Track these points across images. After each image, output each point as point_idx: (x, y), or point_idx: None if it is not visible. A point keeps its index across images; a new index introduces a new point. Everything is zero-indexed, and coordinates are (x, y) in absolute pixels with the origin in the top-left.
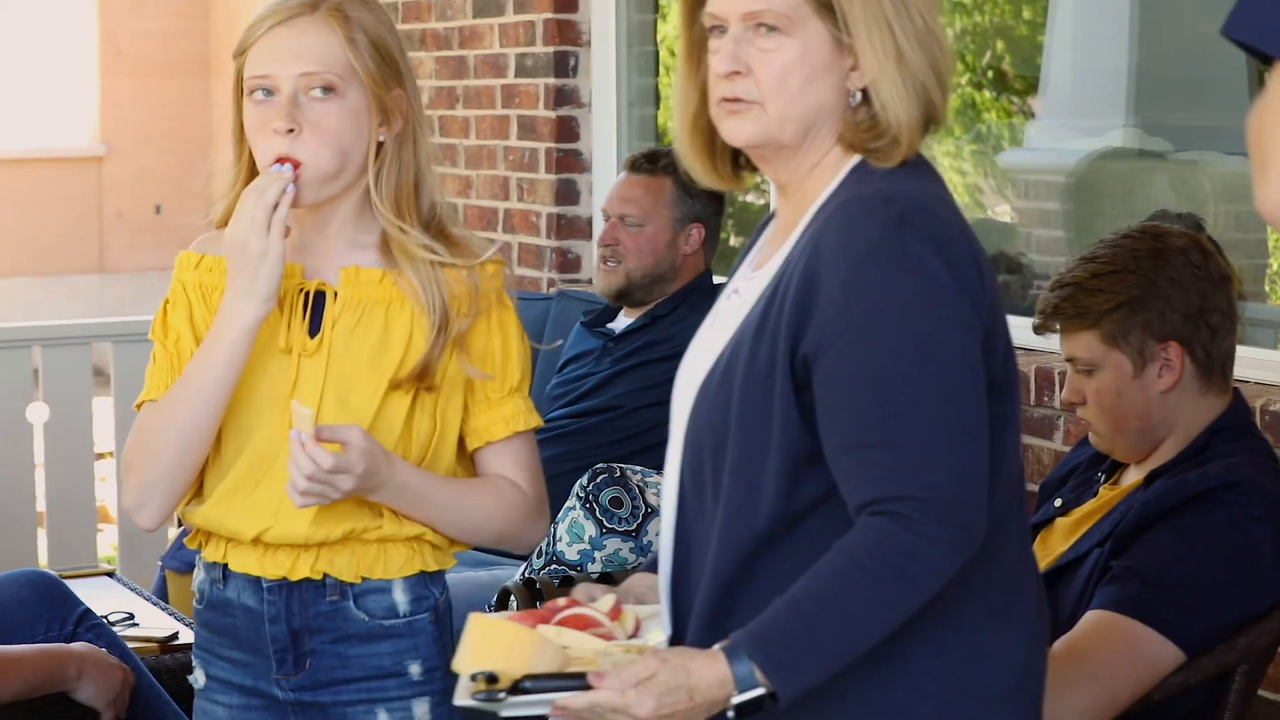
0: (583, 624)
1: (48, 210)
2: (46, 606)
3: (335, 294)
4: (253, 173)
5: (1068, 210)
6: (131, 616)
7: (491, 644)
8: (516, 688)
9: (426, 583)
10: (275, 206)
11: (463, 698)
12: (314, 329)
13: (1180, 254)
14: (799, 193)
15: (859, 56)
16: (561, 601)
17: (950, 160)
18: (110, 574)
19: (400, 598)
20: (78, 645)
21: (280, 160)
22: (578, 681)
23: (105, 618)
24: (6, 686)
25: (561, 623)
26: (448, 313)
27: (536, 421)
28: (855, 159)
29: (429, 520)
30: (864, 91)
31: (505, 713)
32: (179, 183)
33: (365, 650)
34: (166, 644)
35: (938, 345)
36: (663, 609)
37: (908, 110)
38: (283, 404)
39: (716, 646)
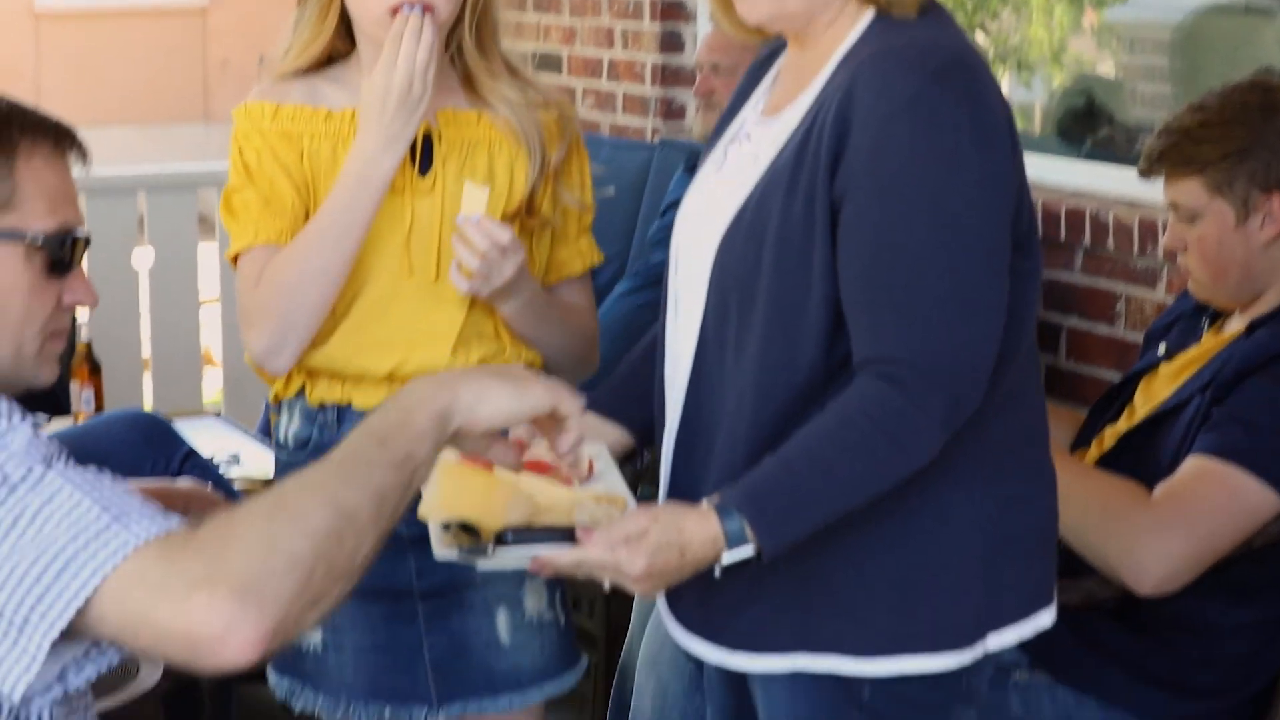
0: (541, 469)
1: (153, 60)
2: (151, 446)
3: (439, 135)
4: (343, 21)
5: (1173, 66)
6: (236, 457)
7: (463, 492)
8: (500, 541)
9: None
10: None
11: (444, 551)
12: (422, 170)
13: None
14: (815, 44)
15: None
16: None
17: (1057, 11)
18: (216, 415)
19: None
20: (182, 482)
21: (412, 3)
22: (562, 536)
23: (210, 458)
24: None
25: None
26: (544, 147)
27: (600, 258)
28: (870, 11)
29: (541, 339)
30: None
31: (487, 566)
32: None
33: None
34: (271, 484)
35: (958, 214)
36: (664, 461)
37: None
38: (399, 243)
39: (705, 504)
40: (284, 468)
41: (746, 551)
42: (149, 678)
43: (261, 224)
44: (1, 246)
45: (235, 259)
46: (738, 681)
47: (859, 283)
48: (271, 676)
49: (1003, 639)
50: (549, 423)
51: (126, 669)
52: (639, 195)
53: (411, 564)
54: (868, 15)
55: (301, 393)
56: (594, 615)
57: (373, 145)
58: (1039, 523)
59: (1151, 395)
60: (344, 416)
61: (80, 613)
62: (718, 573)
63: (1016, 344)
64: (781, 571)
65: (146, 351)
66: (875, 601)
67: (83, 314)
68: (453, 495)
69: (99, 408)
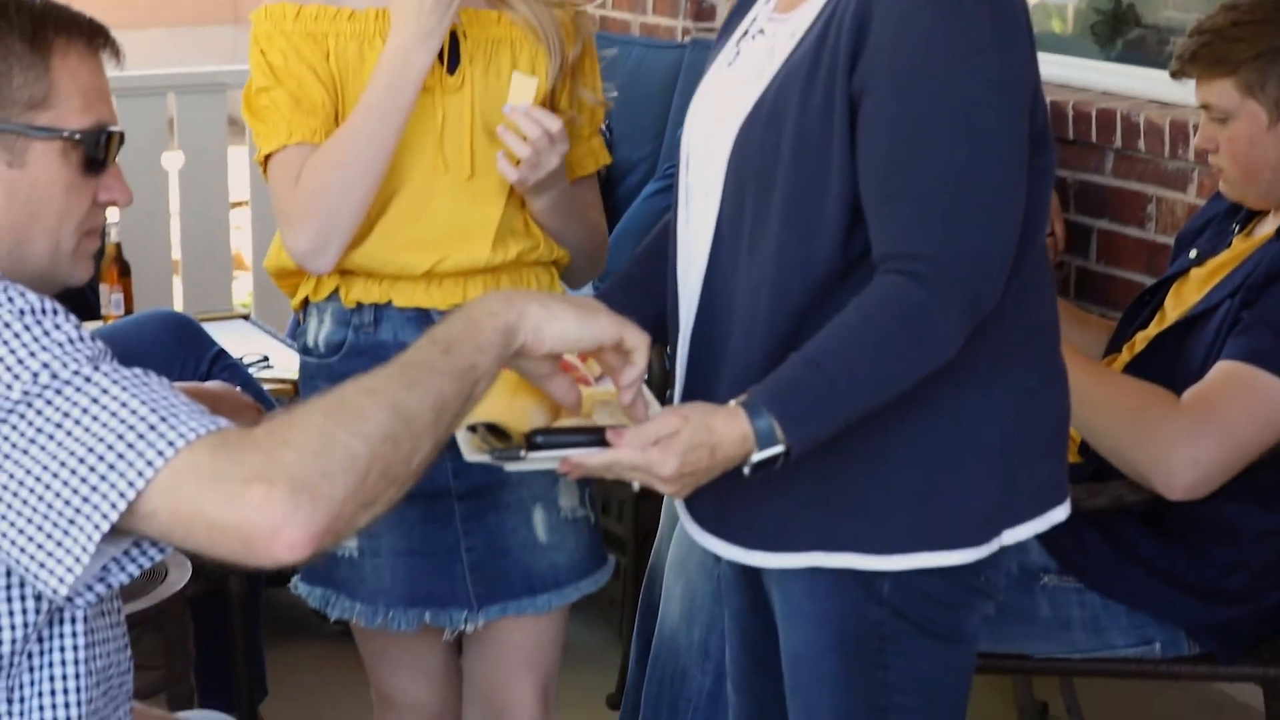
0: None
1: None
2: (181, 346)
3: (464, 34)
4: None
5: None
6: (266, 359)
7: (489, 394)
8: (530, 443)
9: None
10: None
11: (474, 454)
12: (450, 69)
13: None
14: None
15: None
16: None
17: None
18: (245, 317)
19: None
20: (212, 383)
21: None
22: (593, 437)
23: (239, 359)
24: None
25: None
26: (563, 45)
27: (609, 158)
28: None
29: (566, 236)
30: None
31: (517, 468)
32: None
33: None
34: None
35: (980, 107)
36: (678, 360)
37: None
38: (432, 141)
39: (733, 402)
40: (313, 373)
41: (775, 450)
42: (177, 580)
43: (295, 123)
44: (39, 143)
45: (265, 160)
46: (753, 578)
47: (878, 178)
48: (301, 587)
49: (1017, 534)
50: (613, 355)
51: (155, 572)
52: (669, 96)
53: (448, 465)
54: None
55: (334, 295)
56: (623, 518)
57: (409, 41)
58: (1051, 419)
59: (1182, 300)
60: (381, 316)
61: (130, 508)
62: (747, 471)
63: (1031, 241)
64: (799, 471)
65: (176, 254)
66: (892, 500)
67: (113, 215)
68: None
69: (128, 310)
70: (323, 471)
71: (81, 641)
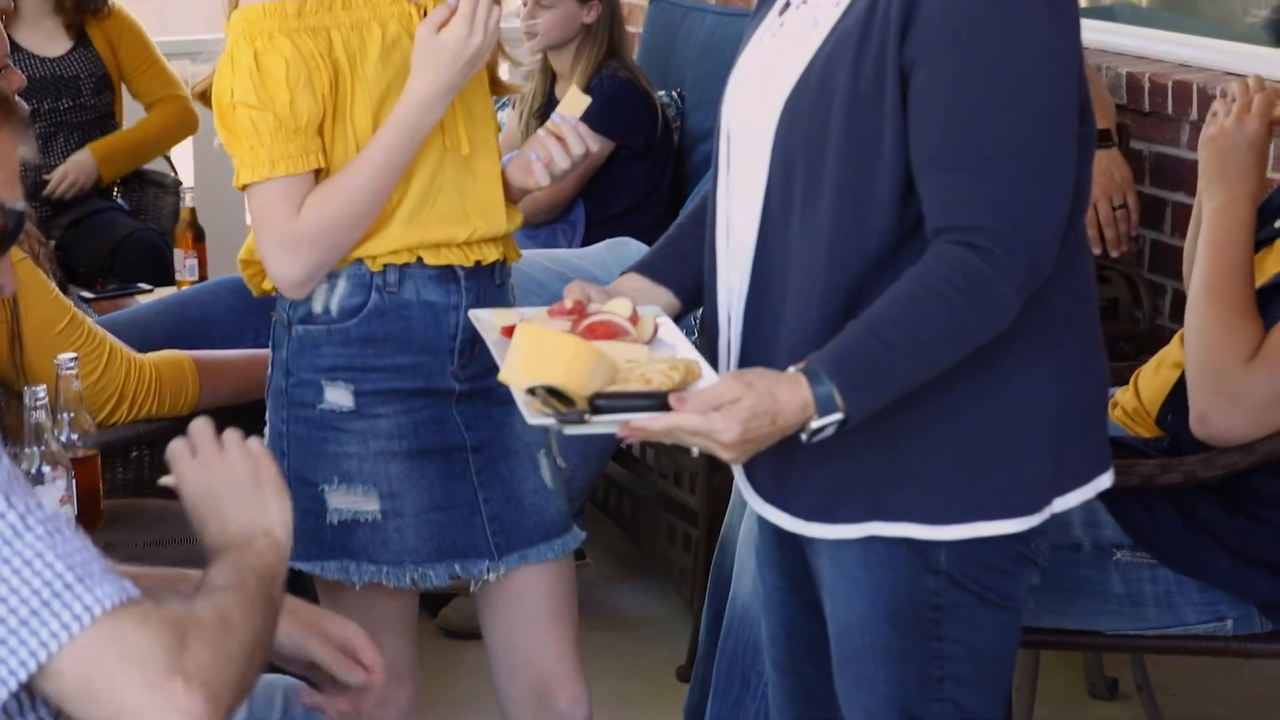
0: (610, 331)
1: None
2: (255, 313)
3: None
4: None
5: None
6: None
7: (548, 357)
8: (593, 407)
9: None
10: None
11: (536, 417)
12: None
13: None
14: None
15: None
16: (568, 304)
17: None
18: None
19: None
20: None
21: None
22: (655, 401)
23: None
24: (215, 391)
25: (588, 330)
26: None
27: None
28: None
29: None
30: None
31: (577, 431)
32: None
33: None
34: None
35: (1033, 78)
36: (731, 327)
37: None
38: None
39: (793, 369)
40: (318, 341)
41: (834, 417)
42: None
43: (277, 152)
44: None
45: (244, 186)
46: (793, 553)
47: (933, 150)
48: (310, 565)
49: (1066, 501)
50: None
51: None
52: None
53: (457, 418)
54: None
55: (357, 261)
56: (695, 490)
57: (434, 93)
58: (1097, 387)
59: (1264, 271)
60: (405, 275)
61: (38, 671)
62: (805, 438)
63: (1077, 210)
64: (854, 441)
65: (250, 219)
66: (949, 470)
67: (187, 180)
68: (537, 360)
69: (203, 275)
70: (237, 682)
71: None
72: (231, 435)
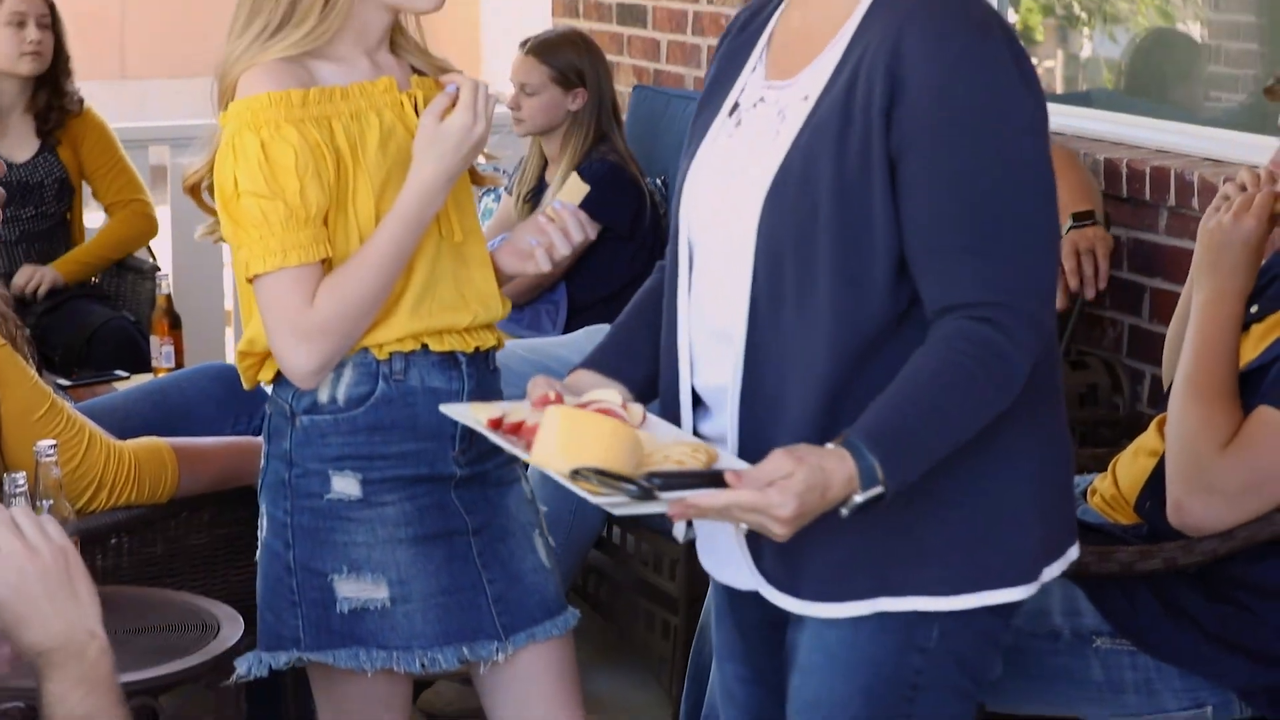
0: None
1: None
2: (235, 400)
3: (425, 102)
4: None
5: (1260, 23)
6: None
7: (585, 438)
8: (653, 486)
9: None
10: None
11: (605, 498)
12: None
13: None
14: (824, 3)
15: None
16: (551, 395)
17: None
18: None
19: None
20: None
21: None
22: (707, 480)
23: None
24: (196, 479)
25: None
26: None
27: None
28: None
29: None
30: None
31: (626, 511)
32: None
33: None
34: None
35: (1019, 150)
36: (730, 418)
37: None
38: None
39: (833, 444)
40: (326, 431)
41: (876, 490)
42: (230, 636)
43: (288, 241)
44: None
45: (254, 277)
46: (763, 633)
47: (933, 231)
48: (320, 655)
49: (1051, 571)
50: None
51: (206, 626)
52: None
53: (456, 502)
54: None
55: (363, 350)
56: (675, 577)
57: (437, 180)
58: (1066, 455)
59: (1241, 355)
60: (410, 362)
61: None
62: (845, 512)
63: None
64: (863, 521)
65: (228, 305)
66: (953, 543)
67: (165, 266)
68: (577, 442)
69: (179, 363)
70: None
71: None
72: (31, 522)
